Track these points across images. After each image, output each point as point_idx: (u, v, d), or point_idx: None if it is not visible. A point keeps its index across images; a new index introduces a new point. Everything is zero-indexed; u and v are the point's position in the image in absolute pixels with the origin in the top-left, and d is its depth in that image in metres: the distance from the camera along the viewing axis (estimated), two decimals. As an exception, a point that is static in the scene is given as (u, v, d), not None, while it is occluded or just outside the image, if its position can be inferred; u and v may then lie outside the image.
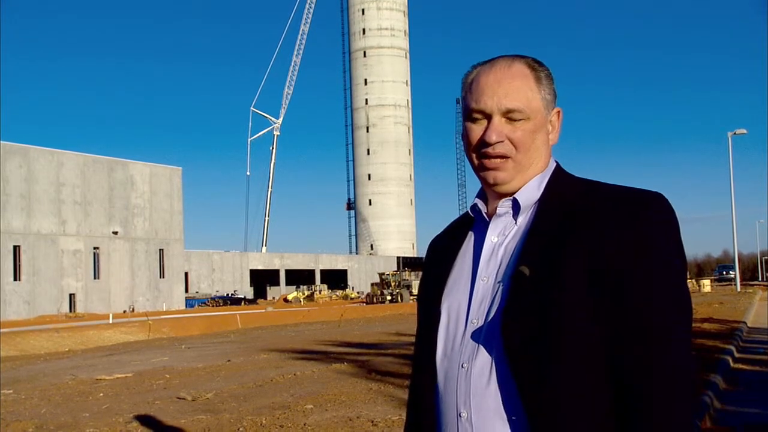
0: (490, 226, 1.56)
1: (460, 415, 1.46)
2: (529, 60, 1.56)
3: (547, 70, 1.57)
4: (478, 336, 1.47)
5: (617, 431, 1.36)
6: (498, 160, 1.51)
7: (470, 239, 1.62)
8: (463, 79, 1.59)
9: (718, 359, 11.31)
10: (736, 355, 12.60)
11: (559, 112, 1.59)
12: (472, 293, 1.52)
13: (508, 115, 1.51)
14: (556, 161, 1.60)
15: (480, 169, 1.54)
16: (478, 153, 1.53)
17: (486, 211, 1.58)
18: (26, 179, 49.10)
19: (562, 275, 1.39)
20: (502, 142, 1.50)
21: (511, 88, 1.51)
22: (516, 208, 1.53)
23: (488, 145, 1.50)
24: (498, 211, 1.55)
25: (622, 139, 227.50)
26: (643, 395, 1.34)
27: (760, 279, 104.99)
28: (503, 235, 1.54)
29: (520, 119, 1.51)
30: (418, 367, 1.61)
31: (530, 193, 1.53)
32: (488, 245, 1.54)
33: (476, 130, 1.53)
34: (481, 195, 1.61)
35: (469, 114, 1.55)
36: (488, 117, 1.51)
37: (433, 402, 1.54)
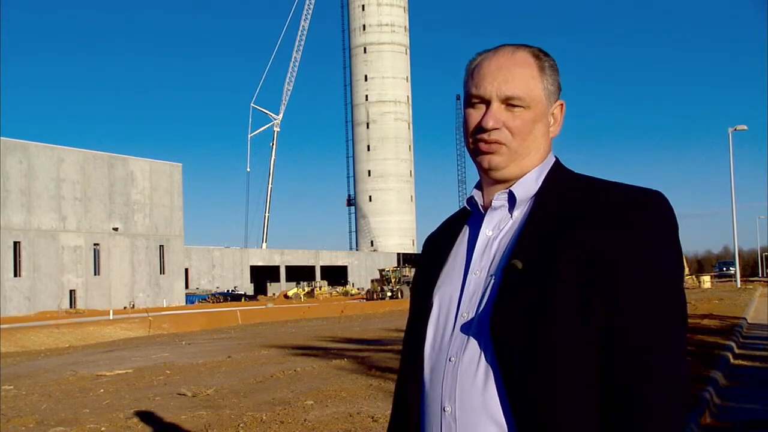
0: (485, 219, 1.54)
1: (444, 410, 1.43)
2: (534, 49, 1.54)
3: (552, 60, 1.54)
4: (467, 330, 1.45)
5: (605, 429, 1.33)
6: (494, 145, 1.49)
7: (465, 232, 1.60)
8: (466, 66, 1.57)
9: (718, 355, 11.31)
10: (736, 351, 12.60)
11: (562, 104, 1.57)
12: (464, 286, 1.50)
13: (508, 102, 1.48)
14: (556, 156, 1.58)
15: (475, 154, 1.53)
16: (475, 138, 1.52)
17: (482, 203, 1.57)
18: (26, 175, 49.09)
19: (555, 271, 1.37)
20: (498, 128, 1.48)
21: (512, 75, 1.48)
22: (512, 201, 1.52)
23: (485, 130, 1.49)
24: (494, 204, 1.53)
25: (622, 135, 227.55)
26: (633, 397, 1.31)
27: (760, 275, 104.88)
28: (498, 228, 1.52)
29: (520, 107, 1.48)
30: (406, 359, 1.60)
31: (527, 186, 1.51)
32: (482, 239, 1.53)
33: (474, 116, 1.51)
34: (479, 187, 1.59)
35: (469, 100, 1.53)
36: (487, 103, 1.49)
37: (418, 395, 1.52)
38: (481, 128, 1.49)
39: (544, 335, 1.35)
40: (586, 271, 1.36)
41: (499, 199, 1.52)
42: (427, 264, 1.64)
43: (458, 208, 1.68)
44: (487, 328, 1.41)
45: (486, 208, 1.55)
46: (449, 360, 1.45)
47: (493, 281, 1.45)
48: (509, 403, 1.36)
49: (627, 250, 1.36)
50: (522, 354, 1.36)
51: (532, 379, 1.35)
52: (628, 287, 1.34)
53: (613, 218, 1.39)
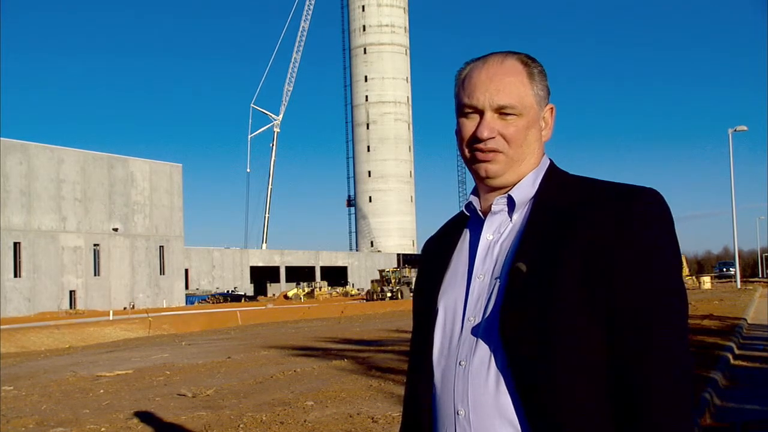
0: (485, 223, 1.56)
1: (457, 413, 1.46)
2: (522, 56, 1.56)
3: (540, 66, 1.57)
4: (475, 333, 1.47)
5: (617, 426, 1.36)
6: (490, 154, 1.52)
7: (465, 237, 1.62)
8: (456, 75, 1.60)
9: (718, 356, 11.31)
10: (736, 351, 12.59)
11: (552, 108, 1.60)
12: (468, 291, 1.53)
13: (500, 111, 1.51)
14: (550, 159, 1.61)
15: (472, 162, 1.55)
16: (470, 148, 1.54)
17: (480, 208, 1.59)
18: (26, 176, 49.10)
19: (559, 271, 1.40)
20: (494, 137, 1.51)
21: (503, 84, 1.51)
22: (511, 205, 1.54)
23: (480, 140, 1.51)
24: (493, 208, 1.56)
25: (622, 136, 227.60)
26: (642, 389, 1.34)
27: (760, 276, 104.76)
28: (498, 232, 1.54)
29: (512, 115, 1.51)
30: (415, 365, 1.62)
31: (525, 190, 1.54)
32: (484, 243, 1.55)
33: (468, 126, 1.54)
34: (476, 192, 1.61)
35: (461, 110, 1.55)
36: (480, 113, 1.52)
37: (429, 400, 1.54)
38: (476, 138, 1.51)
39: (552, 335, 1.38)
40: (588, 269, 1.39)
41: (499, 203, 1.55)
42: (428, 269, 1.67)
43: (458, 209, 1.70)
44: (495, 331, 1.43)
45: (485, 212, 1.58)
46: (459, 364, 1.47)
47: (497, 284, 1.47)
48: (522, 404, 1.39)
49: (625, 247, 1.39)
50: (533, 355, 1.39)
51: (543, 379, 1.37)
52: (628, 280, 1.38)
53: (609, 216, 1.42)
